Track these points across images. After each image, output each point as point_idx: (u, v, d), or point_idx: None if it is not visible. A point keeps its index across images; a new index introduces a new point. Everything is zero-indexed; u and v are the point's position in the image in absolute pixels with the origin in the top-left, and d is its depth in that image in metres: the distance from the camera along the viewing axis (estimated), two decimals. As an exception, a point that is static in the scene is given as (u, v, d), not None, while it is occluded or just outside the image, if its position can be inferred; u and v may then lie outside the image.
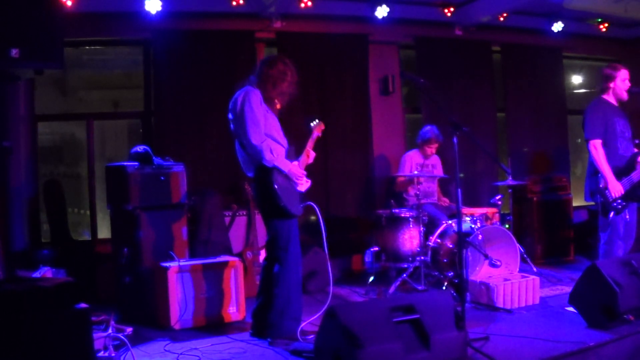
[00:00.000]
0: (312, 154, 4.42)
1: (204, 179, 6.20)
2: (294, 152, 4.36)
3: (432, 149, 6.42)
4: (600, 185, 4.99)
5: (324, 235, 4.36)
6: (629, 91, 5.14)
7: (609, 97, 5.17)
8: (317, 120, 4.49)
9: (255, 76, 4.24)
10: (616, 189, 4.93)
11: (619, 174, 4.99)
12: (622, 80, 5.11)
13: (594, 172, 5.08)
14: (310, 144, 4.41)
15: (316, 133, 4.45)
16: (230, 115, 4.20)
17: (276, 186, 4.03)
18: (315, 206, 4.31)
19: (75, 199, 6.90)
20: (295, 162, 4.27)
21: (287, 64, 4.26)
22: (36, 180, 6.12)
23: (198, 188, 5.87)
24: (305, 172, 4.30)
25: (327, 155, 6.82)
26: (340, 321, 3.25)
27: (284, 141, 4.27)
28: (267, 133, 4.10)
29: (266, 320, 4.16)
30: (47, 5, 4.50)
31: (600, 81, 5.28)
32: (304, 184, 4.28)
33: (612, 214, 4.97)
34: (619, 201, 4.93)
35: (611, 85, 5.15)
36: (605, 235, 5.07)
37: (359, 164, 7.08)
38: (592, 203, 5.29)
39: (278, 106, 4.28)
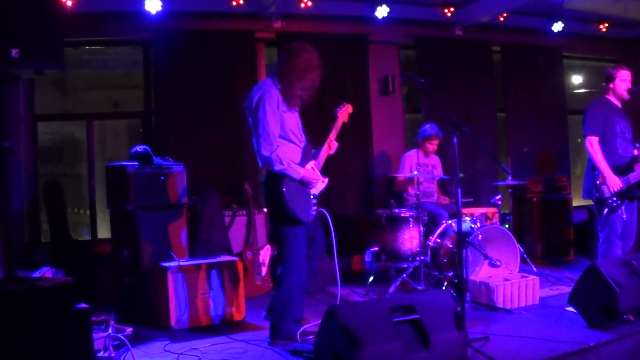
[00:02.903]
0: (335, 145, 4.17)
1: (204, 179, 6.20)
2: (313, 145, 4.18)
3: (433, 145, 6.40)
4: (597, 182, 5.02)
5: (333, 241, 4.23)
6: (629, 91, 5.16)
7: (612, 98, 5.22)
8: (343, 104, 4.19)
9: (278, 67, 4.00)
10: (614, 183, 4.95)
11: (616, 172, 5.00)
12: (621, 80, 5.15)
13: (592, 169, 5.12)
14: (333, 133, 4.14)
15: (341, 119, 4.15)
16: (246, 112, 4.07)
17: (285, 190, 3.89)
18: (326, 213, 4.17)
19: (75, 199, 6.91)
20: (312, 163, 4.08)
21: (313, 53, 3.96)
22: (36, 180, 6.13)
23: (198, 188, 5.86)
24: (319, 176, 4.08)
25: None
26: (340, 321, 3.24)
27: (302, 139, 4.10)
28: (282, 135, 3.94)
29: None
30: (47, 5, 4.48)
31: (603, 81, 5.34)
32: (319, 186, 4.09)
33: (606, 210, 4.99)
34: (614, 198, 4.95)
35: (611, 85, 5.19)
36: (603, 234, 5.09)
37: (359, 163, 7.07)
38: (591, 202, 5.29)
39: (302, 100, 3.99)
